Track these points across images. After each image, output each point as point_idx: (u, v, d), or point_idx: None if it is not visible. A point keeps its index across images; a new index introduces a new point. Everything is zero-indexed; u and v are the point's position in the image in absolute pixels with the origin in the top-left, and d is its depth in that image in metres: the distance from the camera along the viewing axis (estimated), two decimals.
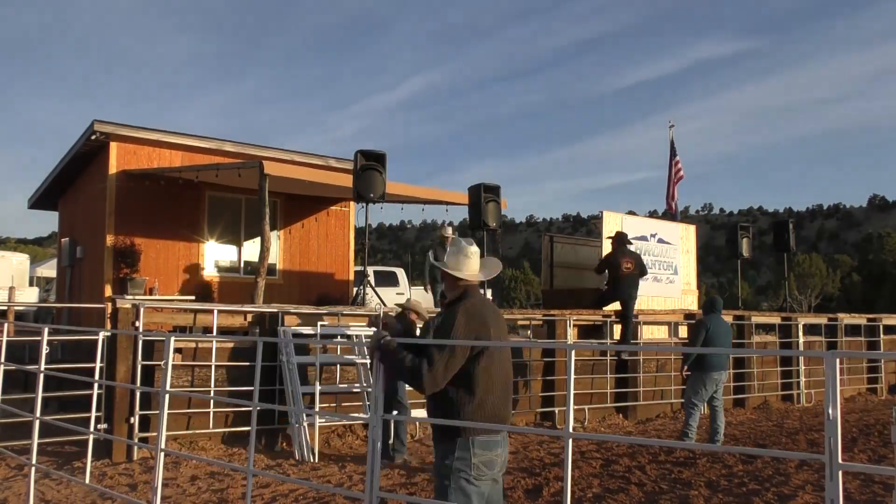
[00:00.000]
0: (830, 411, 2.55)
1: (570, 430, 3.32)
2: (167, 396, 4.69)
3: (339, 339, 9.35)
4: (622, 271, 11.83)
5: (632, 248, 12.40)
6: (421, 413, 9.70)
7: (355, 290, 13.27)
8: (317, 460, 8.05)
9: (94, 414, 6.92)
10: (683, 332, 13.36)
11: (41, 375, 5.62)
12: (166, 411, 4.68)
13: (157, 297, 11.26)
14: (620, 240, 12.17)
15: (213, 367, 8.48)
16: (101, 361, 7.34)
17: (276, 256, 14.30)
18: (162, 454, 4.55)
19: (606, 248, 13.09)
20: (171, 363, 4.80)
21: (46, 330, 5.82)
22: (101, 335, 6.98)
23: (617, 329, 12.23)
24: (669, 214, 18.62)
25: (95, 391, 6.95)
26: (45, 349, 5.75)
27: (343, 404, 9.17)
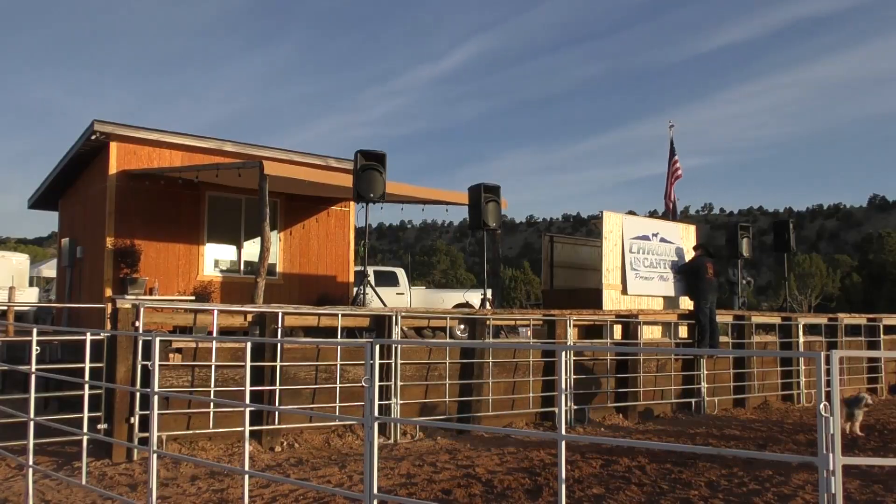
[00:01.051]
0: (823, 411, 2.56)
1: (563, 431, 3.33)
2: (157, 397, 4.71)
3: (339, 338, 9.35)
4: (708, 275, 12.98)
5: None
6: (411, 406, 9.70)
7: (355, 290, 13.27)
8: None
9: (86, 414, 6.91)
10: (683, 331, 13.37)
11: (33, 376, 5.64)
12: (156, 411, 4.71)
13: (156, 298, 11.26)
14: (705, 248, 13.80)
15: (213, 368, 8.48)
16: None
17: (276, 256, 14.31)
18: (155, 455, 4.55)
19: (606, 248, 13.11)
20: (158, 363, 4.82)
21: (36, 331, 5.83)
22: (89, 336, 6.99)
23: (617, 329, 12.26)
24: (668, 214, 18.64)
25: (87, 391, 6.97)
26: (35, 350, 5.77)
27: (345, 404, 9.17)
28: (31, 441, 5.66)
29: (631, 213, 17.03)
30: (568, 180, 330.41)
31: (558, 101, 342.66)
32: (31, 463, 5.68)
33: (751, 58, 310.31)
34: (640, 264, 13.52)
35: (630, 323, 12.19)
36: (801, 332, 14.55)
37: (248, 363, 4.86)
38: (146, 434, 7.78)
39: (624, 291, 13.19)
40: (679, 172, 18.30)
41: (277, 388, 8.70)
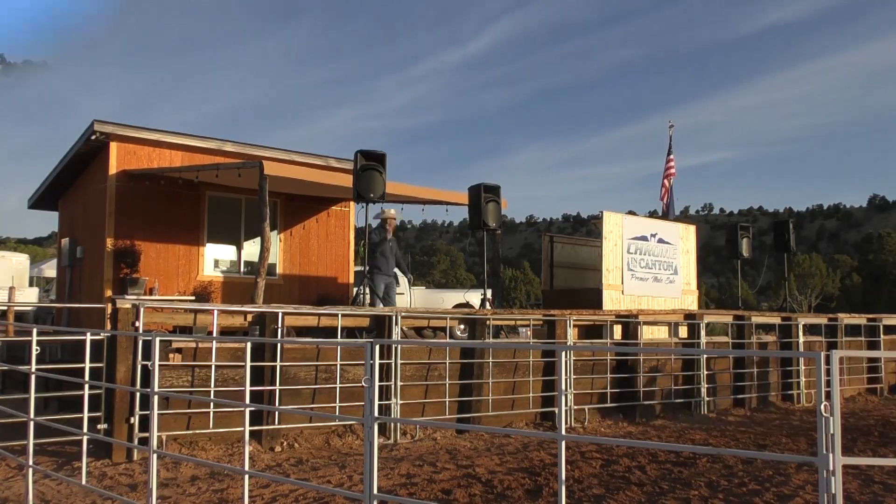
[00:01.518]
0: (823, 411, 2.56)
1: (563, 432, 3.34)
2: (157, 397, 4.71)
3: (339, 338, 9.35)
4: None
5: None
6: (411, 406, 9.70)
7: (355, 290, 13.27)
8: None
9: (86, 414, 6.92)
10: (684, 332, 13.37)
11: (33, 376, 5.65)
12: (156, 411, 4.71)
13: (156, 298, 11.25)
14: None
15: (213, 368, 8.48)
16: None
17: (276, 256, 14.30)
18: (155, 455, 4.56)
19: (607, 248, 13.14)
20: (157, 363, 4.83)
21: (36, 331, 5.84)
22: (89, 336, 6.99)
23: (617, 329, 12.26)
24: (662, 212, 18.67)
25: (87, 391, 6.98)
26: (35, 350, 5.77)
27: (345, 404, 9.17)
28: (31, 441, 5.66)
29: (631, 213, 17.05)
30: (570, 178, 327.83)
31: (572, 92, 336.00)
32: (31, 463, 5.68)
33: (754, 55, 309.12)
34: (637, 265, 13.55)
35: (630, 323, 12.19)
36: (801, 332, 14.54)
37: (248, 363, 4.87)
38: (146, 434, 7.79)
39: (623, 291, 13.22)
40: (672, 171, 18.33)
41: (277, 388, 8.70)
